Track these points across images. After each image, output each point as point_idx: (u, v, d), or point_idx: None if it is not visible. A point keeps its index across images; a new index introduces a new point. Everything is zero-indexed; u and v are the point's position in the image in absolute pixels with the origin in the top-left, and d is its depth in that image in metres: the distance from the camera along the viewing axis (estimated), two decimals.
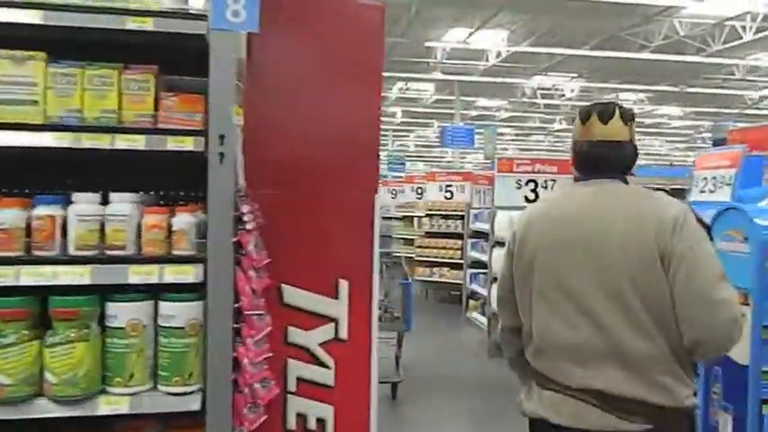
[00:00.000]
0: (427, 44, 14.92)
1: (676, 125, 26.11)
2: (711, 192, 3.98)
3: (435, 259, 9.56)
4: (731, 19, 13.28)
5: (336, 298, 1.95)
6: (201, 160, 1.70)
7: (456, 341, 7.77)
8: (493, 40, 15.07)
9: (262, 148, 1.90)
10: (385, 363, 5.94)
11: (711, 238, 1.88)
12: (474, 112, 23.67)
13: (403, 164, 20.30)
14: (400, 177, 15.07)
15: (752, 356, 3.34)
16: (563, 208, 1.94)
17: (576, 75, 18.89)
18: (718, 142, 17.54)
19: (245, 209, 1.70)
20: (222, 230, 1.68)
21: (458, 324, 8.32)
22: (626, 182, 1.94)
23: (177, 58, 1.82)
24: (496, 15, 12.87)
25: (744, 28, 13.60)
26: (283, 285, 1.93)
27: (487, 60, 16.45)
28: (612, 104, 2.00)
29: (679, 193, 11.17)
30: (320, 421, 1.95)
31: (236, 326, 1.70)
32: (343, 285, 1.96)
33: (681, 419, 1.83)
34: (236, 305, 1.69)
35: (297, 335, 1.94)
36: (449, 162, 26.84)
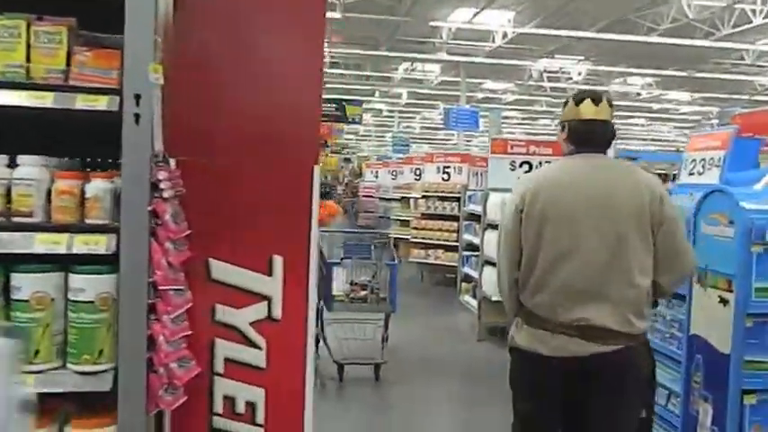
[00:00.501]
0: (432, 24, 14.63)
1: (684, 111, 25.68)
2: (700, 174, 3.79)
3: (431, 241, 9.39)
4: (741, 2, 12.91)
5: (270, 275, 1.80)
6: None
7: (446, 324, 7.60)
8: (499, 21, 14.76)
9: (187, 111, 1.74)
10: (370, 344, 5.83)
11: None
12: (480, 95, 23.35)
13: (407, 145, 20.12)
14: (401, 158, 14.88)
15: (733, 345, 3.17)
16: (569, 173, 2.40)
17: (582, 58, 18.53)
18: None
19: (161, 175, 1.55)
20: (137, 198, 1.53)
21: (450, 307, 8.15)
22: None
23: (101, 14, 1.66)
24: None
25: (754, 12, 13.22)
26: (211, 260, 1.78)
27: (493, 41, 16.13)
28: (600, 91, 2.54)
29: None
30: (250, 404, 1.80)
31: (151, 301, 1.56)
32: (278, 262, 1.81)
33: (639, 340, 2.39)
34: (152, 279, 1.55)
35: (226, 313, 1.80)
36: (454, 145, 26.60)
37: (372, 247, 6.31)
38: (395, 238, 11.74)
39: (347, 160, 25.92)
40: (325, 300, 5.62)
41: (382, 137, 31.74)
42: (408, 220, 10.09)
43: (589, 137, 2.41)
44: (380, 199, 13.58)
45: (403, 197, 11.33)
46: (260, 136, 1.82)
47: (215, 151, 1.80)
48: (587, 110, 2.40)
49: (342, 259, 6.26)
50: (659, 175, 11.79)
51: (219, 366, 1.80)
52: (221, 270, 1.79)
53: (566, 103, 2.54)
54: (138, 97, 1.53)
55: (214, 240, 1.77)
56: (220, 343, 1.80)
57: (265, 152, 1.83)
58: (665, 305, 3.75)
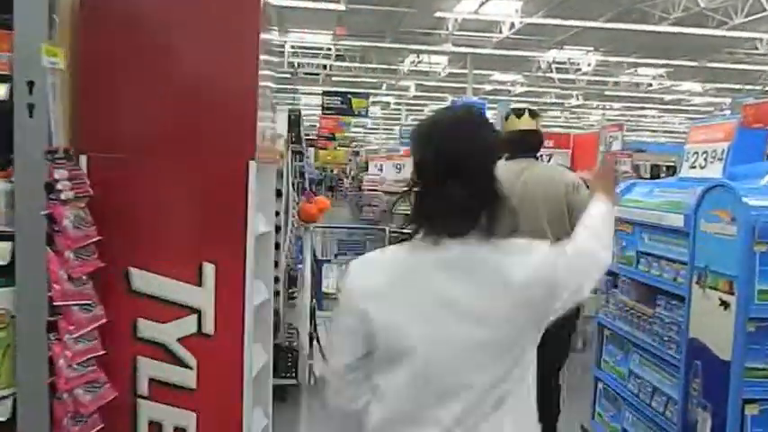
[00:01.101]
0: (437, 14, 14.33)
1: (696, 102, 25.15)
2: (702, 167, 3.52)
3: None
4: None
5: (200, 285, 1.59)
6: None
7: None
8: (506, 11, 14.42)
9: (98, 101, 1.52)
10: None
11: None
12: (488, 87, 23.00)
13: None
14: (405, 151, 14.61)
15: (735, 352, 2.92)
16: (512, 173, 3.26)
17: (591, 48, 18.14)
18: None
19: (59, 174, 1.34)
20: (31, 201, 1.33)
21: None
22: (537, 158, 3.61)
23: None
24: None
25: None
26: (131, 269, 1.57)
27: (500, 32, 15.80)
28: (524, 107, 3.53)
29: None
30: (179, 430, 1.60)
31: (51, 319, 1.36)
32: (209, 270, 1.60)
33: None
34: (49, 294, 1.34)
35: (149, 328, 1.59)
36: None
37: (367, 242, 6.11)
38: (400, 234, 11.54)
39: (355, 153, 25.72)
40: (316, 298, 5.43)
41: (391, 130, 31.48)
42: None
43: (522, 145, 3.48)
44: (385, 193, 13.34)
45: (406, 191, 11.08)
46: (183, 129, 1.61)
47: (132, 147, 1.58)
48: (520, 123, 3.46)
49: (336, 256, 6.06)
50: (667, 167, 11.50)
51: (143, 388, 1.59)
52: (143, 280, 1.58)
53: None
54: (31, 85, 1.32)
55: (134, 247, 1.56)
56: (144, 362, 1.59)
57: (190, 147, 1.61)
58: (663, 306, 3.52)
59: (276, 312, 4.49)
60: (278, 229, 4.40)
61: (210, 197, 1.60)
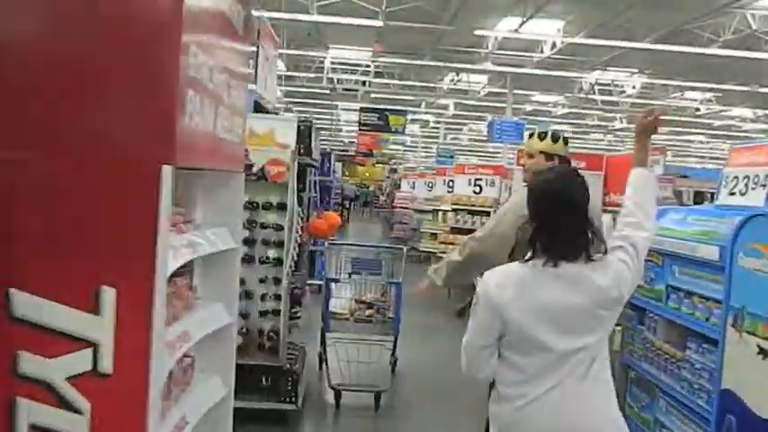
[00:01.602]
0: (477, 32, 14.01)
1: (747, 128, 24.07)
2: (742, 194, 3.09)
3: None
4: None
5: (97, 313, 1.30)
6: None
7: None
8: (547, 31, 14.00)
9: None
10: (374, 368, 5.24)
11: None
12: (529, 107, 22.50)
13: (452, 157, 19.48)
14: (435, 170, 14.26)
15: None
16: None
17: (636, 70, 17.50)
18: None
19: None
20: None
21: None
22: None
23: None
24: (550, 3, 11.85)
25: None
26: (12, 291, 1.29)
27: (542, 52, 15.37)
28: (548, 130, 3.37)
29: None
30: None
31: None
32: (108, 295, 1.30)
33: None
34: None
35: (32, 363, 1.30)
36: (501, 158, 25.74)
37: (384, 263, 5.77)
38: (426, 252, 11.16)
39: (393, 170, 25.51)
40: (323, 318, 5.11)
41: (429, 148, 31.16)
42: (438, 234, 9.49)
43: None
44: (416, 211, 13.00)
45: (434, 210, 10.74)
46: (80, 124, 1.32)
47: (15, 144, 1.30)
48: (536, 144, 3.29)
49: (350, 275, 5.75)
50: (711, 194, 10.84)
51: None
52: (27, 305, 1.29)
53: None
54: None
55: (16, 266, 1.28)
56: (24, 404, 1.30)
57: (88, 146, 1.32)
58: (694, 350, 3.08)
59: (276, 333, 4.19)
60: (279, 244, 4.13)
61: (113, 208, 1.31)
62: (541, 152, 3.15)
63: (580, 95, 19.52)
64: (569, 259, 1.97)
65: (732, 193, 3.21)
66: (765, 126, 23.60)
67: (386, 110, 19.07)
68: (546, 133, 3.27)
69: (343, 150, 35.84)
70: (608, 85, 19.10)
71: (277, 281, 4.09)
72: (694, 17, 12.60)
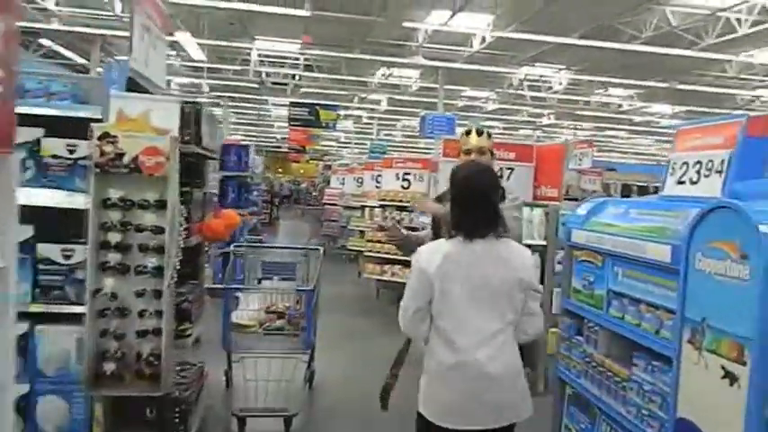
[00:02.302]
0: (406, 24, 13.47)
1: (665, 124, 24.67)
2: (693, 183, 2.60)
3: (387, 255, 8.19)
4: (726, 10, 11.86)
5: None
6: None
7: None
8: (476, 24, 13.62)
9: None
10: (286, 387, 4.50)
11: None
12: (460, 103, 22.24)
13: (384, 152, 18.91)
14: (362, 164, 13.64)
15: None
16: None
17: (564, 67, 17.45)
18: None
19: None
20: None
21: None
22: None
23: None
24: None
25: (739, 21, 12.18)
26: None
27: (471, 46, 15.02)
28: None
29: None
30: None
31: None
32: None
33: None
34: None
35: None
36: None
37: (299, 264, 5.10)
38: (355, 251, 10.53)
39: (327, 167, 24.72)
40: (222, 333, 4.37)
41: (364, 144, 30.53)
42: (365, 231, 8.86)
43: None
44: (344, 207, 12.33)
45: (362, 206, 10.12)
46: None
47: None
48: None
49: (259, 281, 5.05)
50: (639, 187, 10.74)
51: None
52: None
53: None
54: None
55: None
56: None
57: None
58: (642, 367, 2.57)
59: (158, 356, 3.44)
60: (160, 249, 3.39)
61: None
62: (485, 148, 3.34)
63: (510, 91, 19.36)
64: (483, 235, 2.37)
65: (681, 182, 2.71)
66: (681, 122, 24.21)
67: (316, 104, 18.34)
68: (482, 131, 3.45)
69: (276, 147, 34.78)
70: (536, 81, 19.02)
71: (158, 294, 3.36)
72: (617, 13, 12.50)
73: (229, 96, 22.14)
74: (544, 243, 5.29)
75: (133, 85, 3.59)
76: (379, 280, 8.46)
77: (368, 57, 15.94)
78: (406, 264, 8.27)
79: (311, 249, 5.20)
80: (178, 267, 3.40)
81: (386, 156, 17.39)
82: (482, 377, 2.33)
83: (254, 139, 27.46)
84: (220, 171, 7.77)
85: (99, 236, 3.37)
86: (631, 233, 2.67)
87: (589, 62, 16.23)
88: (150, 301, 3.42)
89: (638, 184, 9.83)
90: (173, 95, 3.64)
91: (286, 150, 29.80)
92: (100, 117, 3.43)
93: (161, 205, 3.37)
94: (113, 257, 3.37)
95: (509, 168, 5.70)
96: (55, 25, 14.07)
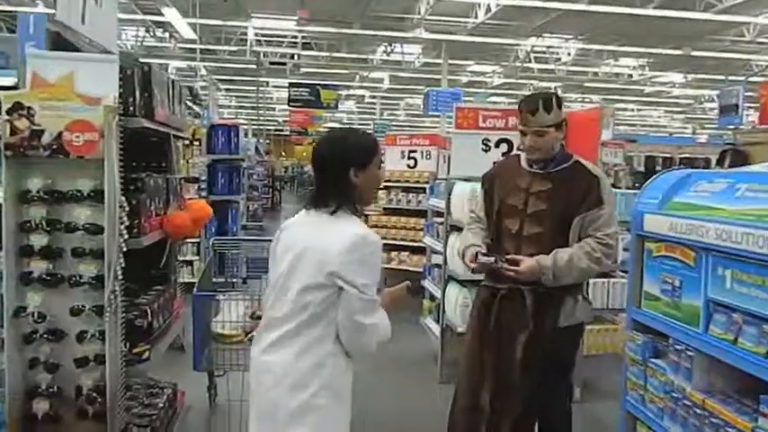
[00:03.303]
0: None
1: (676, 94, 23.54)
2: None
3: (394, 242, 7.36)
4: None
5: None
6: None
7: (399, 354, 5.09)
8: None
9: None
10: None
11: None
12: (465, 78, 21.20)
13: (384, 131, 17.97)
14: None
15: None
16: None
17: (571, 36, 16.39)
18: (726, 109, 14.98)
19: None
20: None
21: (410, 328, 5.83)
22: None
23: None
24: None
25: None
26: None
27: (476, 17, 14.01)
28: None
29: (690, 162, 8.86)
30: None
31: None
32: None
33: None
34: None
35: None
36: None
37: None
38: None
39: None
40: (194, 355, 3.49)
41: (368, 124, 29.55)
42: (369, 216, 8.00)
43: None
44: None
45: None
46: None
47: None
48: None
49: (244, 280, 4.22)
50: (663, 159, 9.80)
51: None
52: None
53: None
54: None
55: None
56: None
57: None
58: None
59: (102, 391, 2.61)
60: (99, 254, 2.55)
61: None
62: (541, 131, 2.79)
63: (516, 64, 18.32)
64: (317, 207, 2.06)
65: None
66: (695, 92, 23.12)
67: (317, 85, 17.39)
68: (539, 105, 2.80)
69: (279, 130, 33.78)
70: (543, 52, 17.97)
71: (100, 310, 2.54)
72: None
73: (228, 79, 21.20)
74: None
75: (61, 46, 2.72)
76: (385, 268, 7.62)
77: (368, 32, 14.96)
78: (414, 250, 7.47)
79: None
80: (119, 278, 2.56)
81: (389, 133, 16.49)
82: (262, 371, 2.05)
83: (255, 122, 26.47)
84: (207, 155, 6.93)
85: (19, 239, 2.54)
86: (746, 219, 1.81)
87: (598, 30, 15.19)
88: (91, 321, 2.60)
89: (663, 155, 8.88)
90: (111, 54, 2.77)
91: (287, 134, 28.87)
92: (13, 84, 2.58)
93: (98, 197, 2.53)
94: (39, 266, 2.54)
95: None
96: (41, 8, 13.16)
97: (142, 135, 3.11)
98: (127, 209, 2.54)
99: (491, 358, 2.77)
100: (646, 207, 2.27)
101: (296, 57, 17.44)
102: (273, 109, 29.00)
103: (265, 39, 16.84)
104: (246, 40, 16.26)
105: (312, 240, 1.99)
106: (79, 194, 2.54)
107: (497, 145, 4.81)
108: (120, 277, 2.54)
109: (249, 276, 4.23)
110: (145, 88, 2.82)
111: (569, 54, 17.91)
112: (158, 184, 3.09)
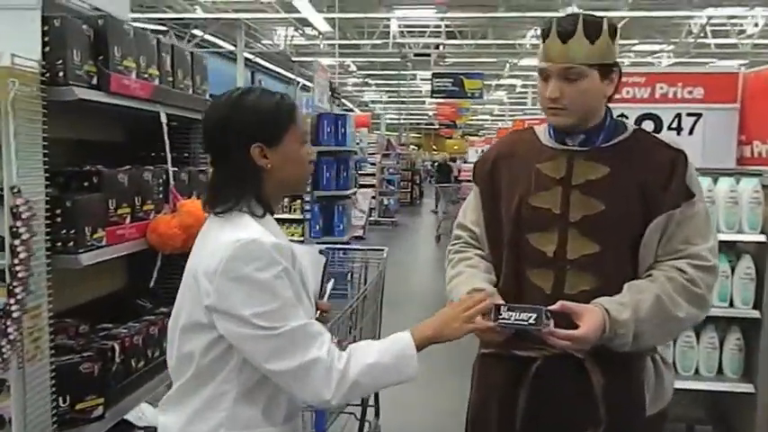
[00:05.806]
0: None
1: None
2: None
3: None
4: None
5: None
6: None
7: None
8: None
9: None
10: None
11: None
12: (626, 60, 18.61)
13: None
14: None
15: None
16: None
17: (758, 3, 13.39)
18: None
19: None
20: None
21: None
22: None
23: None
24: None
25: None
26: None
27: None
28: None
29: None
30: None
31: None
32: None
33: None
34: None
35: None
36: None
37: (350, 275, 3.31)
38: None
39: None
40: None
41: (519, 116, 27.65)
42: None
43: None
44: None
45: None
46: None
47: None
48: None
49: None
50: None
51: None
52: None
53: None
54: None
55: None
56: None
57: None
58: None
59: None
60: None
61: None
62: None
63: (689, 40, 15.53)
64: (211, 207, 1.37)
65: None
66: None
67: (460, 74, 16.24)
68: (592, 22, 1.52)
69: (429, 124, 33.04)
70: (723, 25, 14.99)
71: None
72: None
73: (378, 74, 20.82)
74: (762, 238, 2.92)
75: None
76: None
77: (513, 14, 13.47)
78: None
79: (372, 251, 3.33)
80: (19, 298, 1.76)
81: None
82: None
83: (404, 116, 25.95)
84: (313, 146, 6.18)
85: None
86: None
87: None
88: None
89: None
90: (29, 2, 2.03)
91: (437, 127, 28.00)
92: None
93: None
94: None
95: (692, 114, 3.33)
96: (199, 13, 13.66)
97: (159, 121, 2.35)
98: (23, 208, 1.71)
99: None
100: None
101: (441, 47, 16.42)
102: (423, 102, 28.27)
103: (408, 30, 16.05)
104: (389, 32, 15.60)
105: (192, 261, 1.35)
106: None
107: (638, 122, 3.40)
108: (50, 307, 1.73)
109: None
110: (95, 48, 1.99)
111: (756, 25, 14.73)
112: (137, 179, 2.27)
